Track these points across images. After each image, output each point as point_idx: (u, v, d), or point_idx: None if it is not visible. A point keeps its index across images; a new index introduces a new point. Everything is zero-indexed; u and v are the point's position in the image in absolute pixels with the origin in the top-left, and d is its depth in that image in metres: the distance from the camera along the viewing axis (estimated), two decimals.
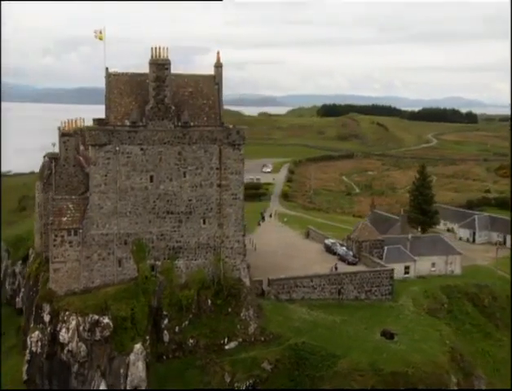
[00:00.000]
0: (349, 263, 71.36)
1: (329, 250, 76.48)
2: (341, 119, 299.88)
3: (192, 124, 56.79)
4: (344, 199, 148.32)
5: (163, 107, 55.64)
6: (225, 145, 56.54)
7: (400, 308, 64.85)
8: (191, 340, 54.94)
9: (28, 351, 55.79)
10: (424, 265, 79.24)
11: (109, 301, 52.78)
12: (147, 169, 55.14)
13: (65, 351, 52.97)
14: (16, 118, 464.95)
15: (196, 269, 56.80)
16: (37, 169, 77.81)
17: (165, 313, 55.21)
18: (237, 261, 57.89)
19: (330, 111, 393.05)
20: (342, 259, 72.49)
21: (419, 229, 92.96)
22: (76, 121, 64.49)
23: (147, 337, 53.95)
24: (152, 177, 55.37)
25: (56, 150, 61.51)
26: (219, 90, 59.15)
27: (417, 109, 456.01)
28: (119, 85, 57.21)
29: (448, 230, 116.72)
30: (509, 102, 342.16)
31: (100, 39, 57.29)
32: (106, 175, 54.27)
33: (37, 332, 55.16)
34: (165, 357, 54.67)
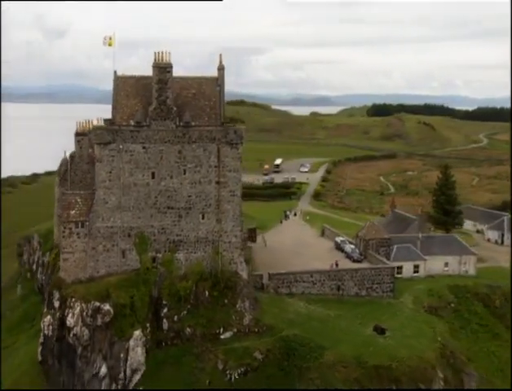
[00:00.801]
0: (354, 260, 72.69)
1: (339, 248, 77.99)
2: (387, 119, 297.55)
3: (193, 124, 59.77)
4: (376, 199, 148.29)
5: (165, 107, 58.91)
6: (223, 144, 59.24)
7: (399, 305, 65.77)
8: (188, 329, 57.79)
9: (41, 334, 60.46)
10: (436, 265, 79.48)
11: (110, 289, 56.45)
12: (149, 167, 58.60)
13: (71, 334, 56.97)
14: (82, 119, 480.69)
15: (195, 261, 59.77)
16: None
17: (164, 302, 58.33)
18: (235, 254, 60.47)
19: (380, 110, 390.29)
20: (349, 256, 73.90)
21: (432, 228, 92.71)
22: (92, 121, 68.76)
23: (148, 325, 57.32)
24: (153, 174, 58.78)
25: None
26: (221, 92, 61.89)
27: (471, 108, 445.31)
28: (126, 88, 60.93)
29: (478, 231, 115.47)
30: None
31: (110, 45, 60.83)
32: (110, 172, 58.08)
33: (48, 317, 59.59)
34: (164, 344, 57.68)
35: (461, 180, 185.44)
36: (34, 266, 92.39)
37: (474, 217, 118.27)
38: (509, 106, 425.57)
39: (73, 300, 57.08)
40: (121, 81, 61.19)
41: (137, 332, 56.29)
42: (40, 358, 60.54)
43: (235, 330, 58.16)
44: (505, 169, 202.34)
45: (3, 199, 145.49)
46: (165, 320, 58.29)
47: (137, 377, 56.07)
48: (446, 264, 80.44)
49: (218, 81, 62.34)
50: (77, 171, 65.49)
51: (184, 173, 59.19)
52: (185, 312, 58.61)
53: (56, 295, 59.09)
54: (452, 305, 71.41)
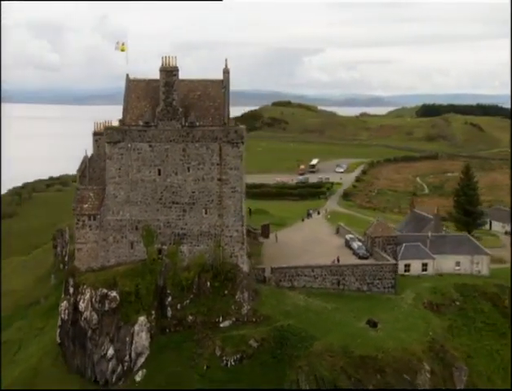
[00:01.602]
0: (360, 257, 74.40)
1: (348, 245, 79.87)
2: (432, 119, 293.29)
3: (197, 124, 63.53)
4: (405, 199, 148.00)
5: (171, 109, 62.91)
6: (224, 143, 62.71)
7: (398, 300, 67.13)
8: (190, 317, 61.50)
9: (59, 318, 65.59)
10: (447, 264, 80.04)
11: (117, 278, 60.88)
12: (155, 164, 62.76)
13: (82, 318, 61.91)
14: None
15: (198, 254, 63.45)
16: None
17: (168, 291, 62.31)
18: (235, 248, 63.76)
19: (429, 111, 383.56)
20: (355, 253, 75.79)
21: (445, 228, 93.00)
22: (111, 121, 73.55)
23: (153, 312, 61.48)
24: (159, 171, 62.90)
25: None
26: (225, 94, 65.37)
27: None
28: (137, 90, 65.37)
29: (506, 232, 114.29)
30: None
31: (122, 50, 65.33)
32: (120, 168, 62.62)
33: (65, 302, 64.67)
34: (167, 330, 61.63)
35: (502, 181, 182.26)
36: (66, 258, 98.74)
37: (502, 218, 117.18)
38: None
39: (84, 286, 61.90)
40: (132, 84, 65.65)
41: (141, 318, 60.45)
42: (58, 340, 65.57)
43: (233, 319, 61.42)
44: None
45: (54, 197, 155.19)
46: (169, 308, 62.23)
47: (141, 360, 60.21)
48: (457, 263, 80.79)
49: (223, 83, 65.85)
50: (95, 169, 70.23)
51: (188, 171, 62.97)
52: (187, 301, 62.35)
53: (71, 282, 64.10)
54: (457, 303, 71.95)
